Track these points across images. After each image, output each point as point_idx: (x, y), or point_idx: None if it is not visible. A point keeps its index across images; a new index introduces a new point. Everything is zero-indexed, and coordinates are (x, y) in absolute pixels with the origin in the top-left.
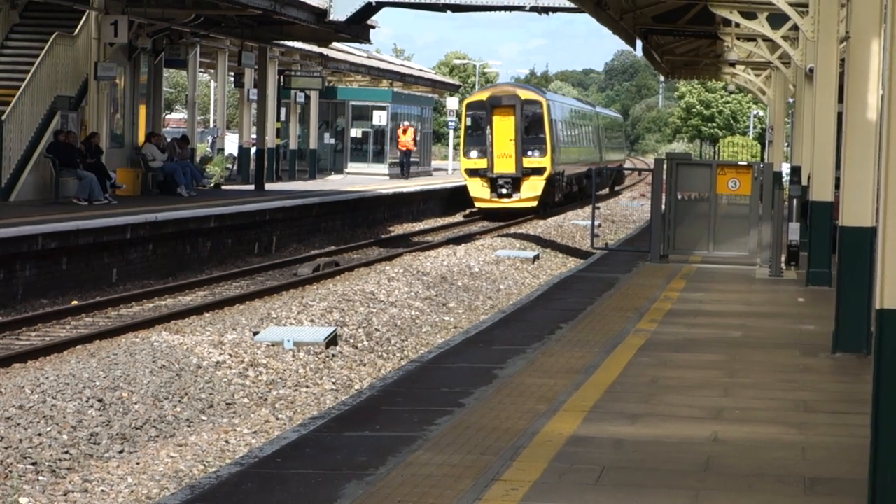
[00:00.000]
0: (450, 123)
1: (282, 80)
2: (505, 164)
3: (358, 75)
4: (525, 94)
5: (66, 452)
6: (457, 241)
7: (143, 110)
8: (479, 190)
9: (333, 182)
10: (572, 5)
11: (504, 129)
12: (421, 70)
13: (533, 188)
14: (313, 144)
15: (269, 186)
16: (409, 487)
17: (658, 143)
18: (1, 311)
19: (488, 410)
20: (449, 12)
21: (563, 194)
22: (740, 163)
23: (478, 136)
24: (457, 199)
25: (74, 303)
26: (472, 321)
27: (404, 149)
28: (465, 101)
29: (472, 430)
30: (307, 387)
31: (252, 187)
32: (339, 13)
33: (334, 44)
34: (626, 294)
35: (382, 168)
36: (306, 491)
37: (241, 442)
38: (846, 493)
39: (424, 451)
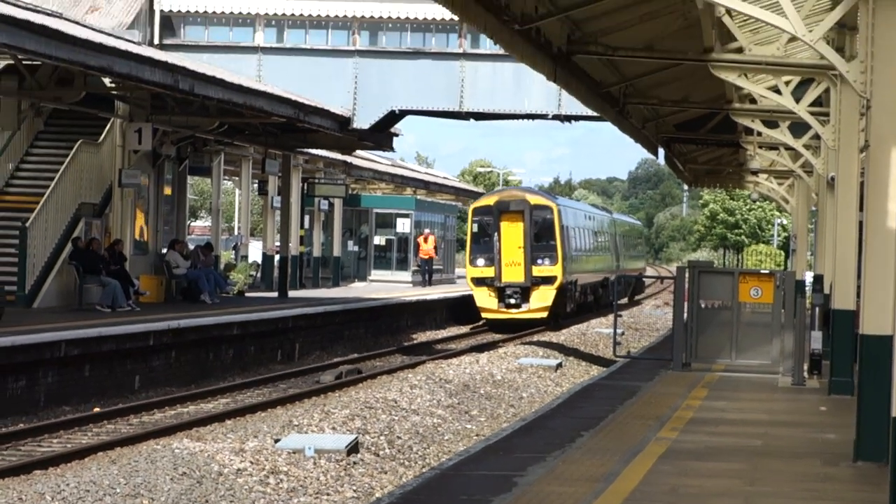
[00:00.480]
0: None
1: (305, 187)
2: (513, 273)
3: (381, 183)
4: (534, 199)
5: None
6: (479, 348)
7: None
8: (485, 300)
9: (357, 289)
10: (595, 114)
11: (512, 235)
12: (444, 178)
13: (543, 298)
14: (337, 252)
15: (292, 294)
16: None
17: (682, 251)
18: (23, 417)
19: None
20: (472, 120)
21: (577, 304)
22: (762, 271)
23: (485, 242)
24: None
25: (96, 409)
26: (494, 429)
27: (426, 257)
28: (472, 206)
29: None
30: (328, 495)
31: (275, 294)
32: (363, 121)
33: (358, 151)
34: (648, 402)
35: (406, 275)
36: None
37: None
38: None
39: None
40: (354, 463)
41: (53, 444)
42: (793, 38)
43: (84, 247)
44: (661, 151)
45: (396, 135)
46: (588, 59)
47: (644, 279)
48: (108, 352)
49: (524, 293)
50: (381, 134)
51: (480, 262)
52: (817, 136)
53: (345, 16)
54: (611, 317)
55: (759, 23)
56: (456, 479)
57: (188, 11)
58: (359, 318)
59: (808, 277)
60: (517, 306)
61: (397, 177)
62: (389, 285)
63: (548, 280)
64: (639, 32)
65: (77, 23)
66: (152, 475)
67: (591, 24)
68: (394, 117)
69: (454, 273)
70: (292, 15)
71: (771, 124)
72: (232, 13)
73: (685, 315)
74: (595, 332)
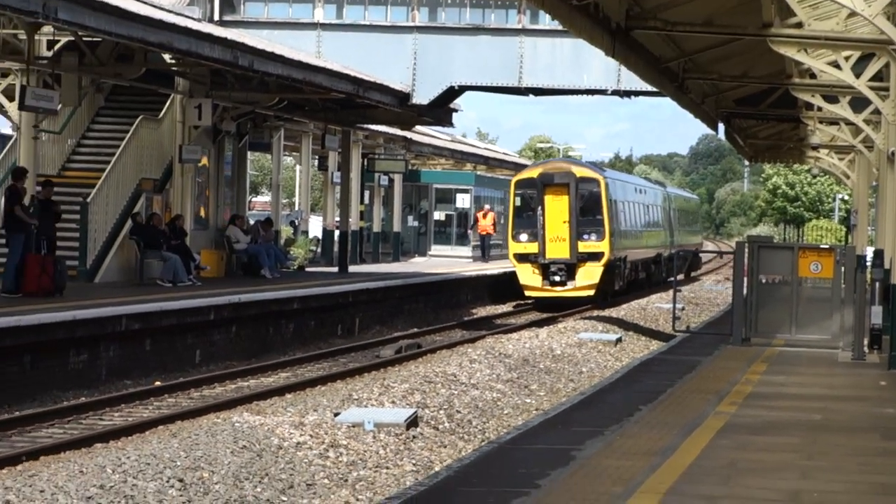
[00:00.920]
0: None
1: (365, 162)
2: (558, 249)
3: (441, 158)
4: (580, 171)
5: None
6: (539, 323)
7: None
8: (529, 277)
9: (417, 264)
10: (654, 89)
11: (557, 209)
12: (504, 153)
13: (589, 275)
14: (397, 227)
15: (352, 269)
16: None
17: (743, 226)
18: (84, 391)
19: (564, 492)
20: (531, 96)
21: (627, 282)
22: (822, 246)
23: (528, 217)
24: None
25: (157, 383)
26: (553, 403)
27: (484, 233)
28: (514, 179)
29: None
30: (387, 468)
31: (335, 269)
32: (422, 97)
33: (418, 127)
34: (707, 377)
35: (465, 250)
36: None
37: None
38: None
39: None
40: (414, 437)
41: (114, 417)
42: (852, 13)
43: (145, 222)
44: (720, 126)
45: (456, 110)
46: (646, 34)
47: (701, 255)
48: (168, 326)
49: (569, 270)
50: (441, 110)
51: (524, 237)
52: (878, 111)
53: None
54: (670, 292)
55: None
56: (514, 453)
57: None
58: (418, 293)
59: (869, 253)
60: (562, 284)
61: (457, 152)
62: (449, 260)
63: (594, 256)
64: (698, 7)
65: None
66: (212, 448)
67: (649, 0)
68: (453, 93)
69: None
70: None
71: (831, 99)
72: None
73: (745, 290)
74: (655, 307)
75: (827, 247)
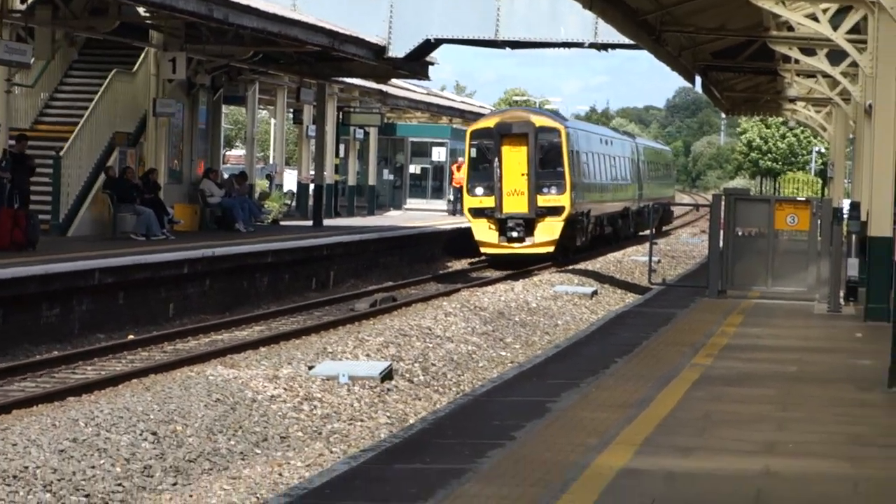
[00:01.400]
0: None
1: (341, 116)
2: (516, 203)
3: (417, 112)
4: (540, 121)
5: (120, 485)
6: (514, 276)
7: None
8: (485, 233)
9: (392, 218)
10: (632, 42)
11: (515, 161)
12: (480, 107)
13: (549, 231)
14: (372, 180)
15: (327, 222)
16: None
17: (719, 179)
18: (57, 345)
19: (540, 443)
20: (508, 49)
21: (591, 237)
22: (798, 198)
23: (484, 169)
24: None
25: (130, 337)
26: (529, 356)
27: (458, 185)
28: (470, 129)
29: (523, 462)
30: (362, 421)
31: (310, 223)
32: (398, 50)
33: (393, 80)
34: (683, 329)
35: (441, 204)
36: None
37: (294, 475)
38: None
39: (474, 484)
40: (388, 390)
41: (87, 371)
42: None
43: (118, 176)
44: (697, 80)
45: (432, 63)
46: None
47: (674, 209)
48: (142, 280)
49: (528, 225)
50: (417, 63)
51: (479, 191)
52: (855, 64)
53: None
54: (646, 245)
55: None
56: (489, 405)
57: None
58: (393, 247)
59: (845, 205)
60: (520, 240)
61: (433, 105)
62: (425, 214)
63: (554, 211)
64: None
65: None
66: (186, 402)
67: None
68: (429, 46)
69: None
70: None
71: (808, 52)
72: None
73: (721, 243)
74: (630, 259)
75: (803, 199)
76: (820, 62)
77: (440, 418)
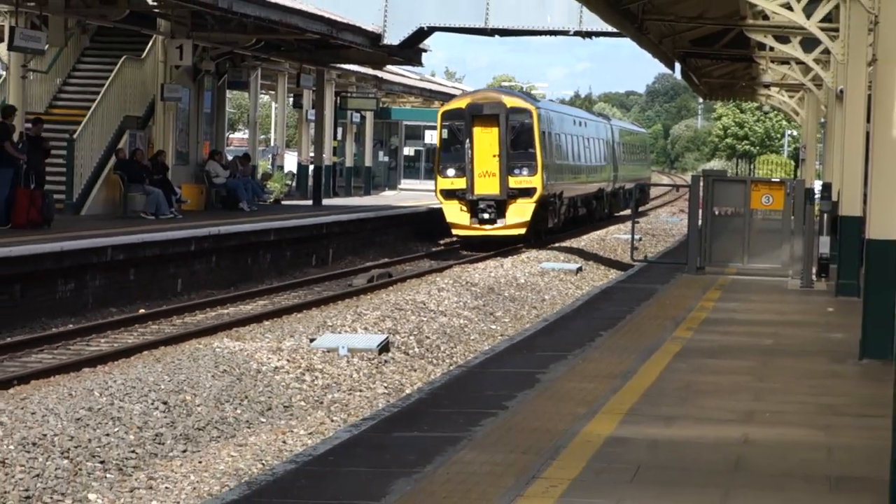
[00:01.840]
0: None
1: (338, 100)
2: (487, 185)
3: (411, 97)
4: (511, 102)
5: (133, 452)
6: (504, 253)
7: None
8: (456, 215)
9: (387, 198)
10: (614, 30)
11: (486, 142)
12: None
13: (521, 213)
14: (368, 162)
15: (326, 202)
16: (454, 484)
17: (697, 161)
18: (72, 319)
19: (530, 413)
20: (497, 37)
21: (564, 219)
22: (773, 179)
23: (455, 151)
24: None
25: (141, 311)
26: (517, 329)
27: None
28: (441, 110)
29: (515, 431)
30: (360, 391)
31: (310, 203)
32: (393, 37)
33: (388, 66)
34: (664, 304)
35: (433, 184)
36: (357, 487)
37: (297, 442)
38: (869, 492)
39: (469, 451)
40: (385, 361)
41: (101, 343)
42: None
43: (128, 157)
44: (677, 66)
45: (425, 50)
46: None
47: (651, 189)
48: (151, 256)
49: (499, 207)
50: (411, 50)
51: (451, 172)
52: (827, 51)
53: None
54: (628, 223)
55: None
56: (481, 376)
57: None
58: (389, 225)
59: (817, 186)
60: (492, 222)
61: (426, 90)
62: (418, 194)
63: (526, 192)
64: None
65: None
66: (195, 372)
67: None
68: (422, 34)
69: None
70: None
71: (783, 39)
72: None
73: (700, 222)
74: (613, 237)
75: (778, 180)
76: (793, 49)
77: (435, 389)
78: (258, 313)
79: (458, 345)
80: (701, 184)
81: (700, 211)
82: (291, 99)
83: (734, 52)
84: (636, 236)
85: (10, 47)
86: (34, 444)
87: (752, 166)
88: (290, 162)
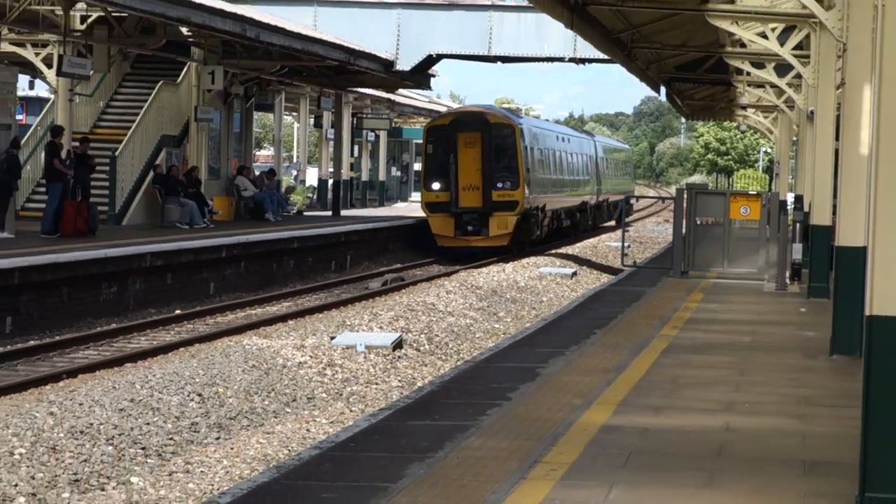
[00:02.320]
0: None
1: (355, 121)
2: (471, 198)
3: (420, 117)
4: (494, 118)
5: (171, 439)
6: (505, 259)
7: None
8: (441, 227)
9: (399, 209)
10: (605, 57)
11: (470, 157)
12: None
13: (503, 225)
14: (382, 176)
15: (344, 213)
16: (464, 468)
17: (680, 175)
18: (115, 318)
19: (532, 403)
20: (499, 63)
21: (547, 231)
22: (750, 192)
23: (440, 165)
24: None
25: (177, 312)
26: (519, 328)
27: None
28: (427, 125)
29: (518, 419)
30: (376, 384)
31: (329, 213)
32: (405, 63)
33: (400, 90)
34: (652, 305)
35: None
36: (375, 470)
37: (320, 430)
38: (840, 475)
39: (477, 438)
40: (399, 357)
41: (141, 341)
42: None
43: (165, 173)
44: (662, 89)
45: (433, 76)
46: (600, 9)
47: (635, 202)
48: (186, 262)
49: (483, 219)
50: (420, 75)
51: (436, 185)
52: (799, 76)
53: None
54: (619, 232)
55: None
56: (486, 370)
57: None
58: (401, 234)
59: (790, 198)
60: (475, 233)
61: (433, 112)
62: None
63: (508, 205)
64: None
65: None
66: (226, 367)
67: None
68: (431, 61)
69: None
70: None
71: (758, 65)
72: None
73: (683, 230)
74: (604, 245)
75: (754, 193)
76: (768, 74)
77: (445, 382)
78: (283, 314)
79: (465, 342)
80: (685, 196)
81: (684, 220)
82: (312, 119)
83: (714, 76)
84: (626, 243)
85: (59, 73)
86: (82, 432)
87: (730, 180)
88: (312, 177)
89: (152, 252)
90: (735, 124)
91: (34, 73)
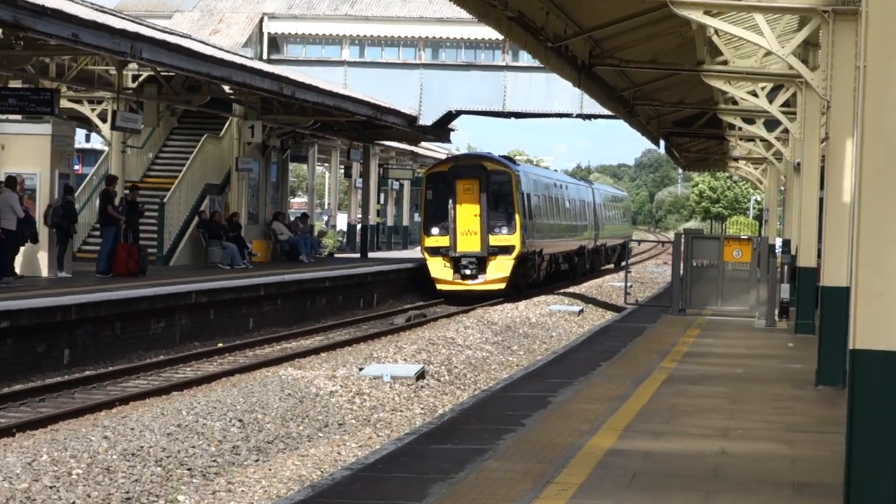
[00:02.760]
0: None
1: (381, 171)
2: (469, 243)
3: None
4: (491, 165)
5: (214, 461)
6: (518, 298)
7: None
8: (440, 271)
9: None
10: (610, 113)
11: (468, 203)
12: None
13: (500, 269)
14: (406, 222)
15: (371, 255)
16: (482, 488)
17: (677, 221)
18: (163, 351)
19: (544, 429)
20: (512, 119)
21: (546, 274)
22: (742, 237)
23: (440, 210)
24: None
25: (220, 345)
26: (531, 360)
27: None
28: (427, 172)
29: (531, 444)
30: (401, 411)
31: (358, 256)
32: (426, 119)
33: (422, 143)
34: (652, 339)
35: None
36: (401, 490)
37: (349, 454)
38: (826, 496)
39: (494, 460)
40: (421, 387)
41: (187, 371)
42: (768, 53)
43: (209, 218)
44: (661, 143)
45: (453, 130)
46: (605, 69)
47: (633, 245)
48: (228, 300)
49: (480, 263)
50: (441, 129)
51: (435, 230)
52: (786, 131)
53: (412, 37)
54: (622, 273)
55: (741, 41)
56: (502, 399)
57: (290, 33)
58: (423, 274)
59: (778, 242)
60: (473, 277)
61: None
62: None
63: (505, 250)
64: (645, 49)
65: (203, 42)
66: (264, 396)
67: (607, 43)
68: (451, 116)
69: None
70: (371, 36)
71: (749, 121)
72: (324, 35)
73: (681, 271)
74: (609, 285)
75: (746, 237)
76: (758, 129)
77: (464, 409)
78: (316, 347)
79: (482, 373)
80: (682, 240)
81: (681, 262)
82: (342, 170)
83: (709, 131)
84: (628, 283)
85: (113, 127)
86: (133, 454)
87: (723, 226)
88: (341, 222)
89: (197, 290)
90: (728, 174)
91: (90, 127)
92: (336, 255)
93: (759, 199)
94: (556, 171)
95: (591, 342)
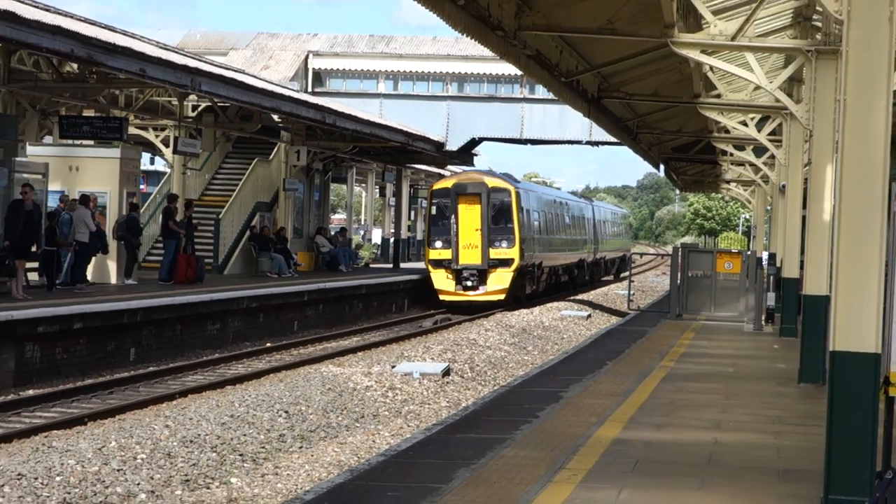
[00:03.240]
0: None
1: (412, 191)
2: (470, 256)
3: None
4: (492, 182)
5: (263, 447)
6: (531, 304)
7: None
8: (443, 282)
9: None
10: (615, 140)
11: (470, 218)
12: None
13: (500, 280)
14: None
15: (402, 265)
16: (502, 472)
17: (675, 237)
18: (218, 349)
19: (556, 420)
20: (529, 145)
21: (545, 285)
22: (732, 250)
23: (443, 225)
24: None
25: (268, 344)
26: (545, 360)
27: None
28: (430, 189)
29: (545, 434)
30: (429, 404)
31: (391, 266)
32: (453, 144)
33: (449, 166)
34: (653, 341)
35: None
36: (430, 474)
37: (383, 442)
38: (808, 481)
39: (512, 448)
40: (447, 383)
41: (238, 368)
42: (757, 87)
43: (259, 232)
44: (661, 167)
45: (476, 155)
46: (612, 101)
47: (634, 258)
48: (275, 305)
49: (481, 275)
50: (465, 154)
51: (438, 244)
52: (773, 156)
53: (441, 72)
54: (625, 283)
55: (733, 76)
56: (519, 394)
57: (332, 69)
58: (426, 285)
59: (765, 255)
60: (474, 288)
61: None
62: None
63: (505, 262)
64: (648, 83)
65: (255, 76)
66: (308, 390)
67: (614, 78)
68: (474, 143)
69: None
70: (404, 71)
71: (740, 147)
72: (362, 70)
73: (678, 281)
74: (614, 293)
75: (736, 251)
76: (748, 155)
77: (485, 403)
78: (353, 347)
79: (501, 371)
80: (679, 253)
81: (678, 273)
82: (377, 189)
83: (704, 156)
84: (631, 292)
85: (175, 151)
86: (191, 441)
87: (715, 241)
88: (376, 236)
89: (248, 296)
90: (720, 195)
91: (154, 151)
92: (371, 266)
93: (747, 216)
94: (558, 188)
95: (598, 343)
